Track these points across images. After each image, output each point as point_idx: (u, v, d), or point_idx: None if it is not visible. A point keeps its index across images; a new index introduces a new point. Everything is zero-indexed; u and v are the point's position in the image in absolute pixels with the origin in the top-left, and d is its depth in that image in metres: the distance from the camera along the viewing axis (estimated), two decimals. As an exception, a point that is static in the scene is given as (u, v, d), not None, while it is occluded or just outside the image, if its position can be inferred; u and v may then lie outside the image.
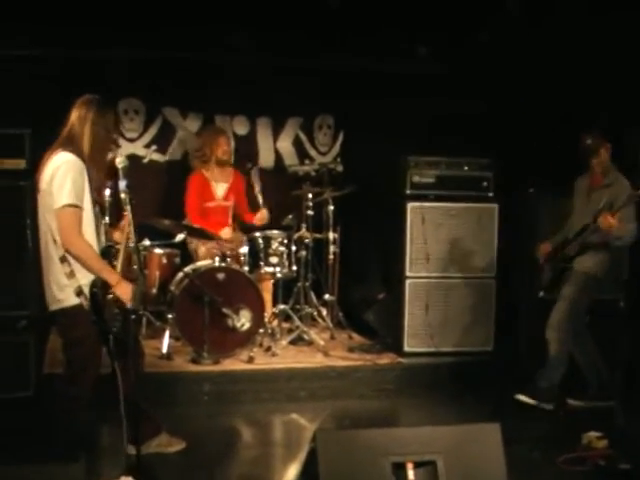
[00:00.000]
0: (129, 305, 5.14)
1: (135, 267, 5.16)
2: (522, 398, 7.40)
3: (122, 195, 5.14)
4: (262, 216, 8.78)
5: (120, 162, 5.19)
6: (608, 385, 7.38)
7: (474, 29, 8.84)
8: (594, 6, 7.48)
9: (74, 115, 5.33)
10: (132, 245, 5.16)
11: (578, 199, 7.51)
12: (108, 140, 5.40)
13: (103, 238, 5.40)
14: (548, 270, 7.57)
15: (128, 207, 5.08)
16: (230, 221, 9.04)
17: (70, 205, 5.10)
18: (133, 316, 5.11)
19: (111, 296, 5.15)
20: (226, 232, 8.50)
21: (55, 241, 5.18)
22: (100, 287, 5.16)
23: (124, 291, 5.16)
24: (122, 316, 5.19)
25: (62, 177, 5.12)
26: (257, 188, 8.68)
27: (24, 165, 6.86)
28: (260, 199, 8.67)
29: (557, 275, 7.45)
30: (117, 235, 5.58)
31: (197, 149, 9.21)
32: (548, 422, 7.11)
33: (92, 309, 5.14)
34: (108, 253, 5.36)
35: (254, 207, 8.90)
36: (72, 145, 5.25)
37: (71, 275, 5.16)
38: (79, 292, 5.15)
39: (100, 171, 5.28)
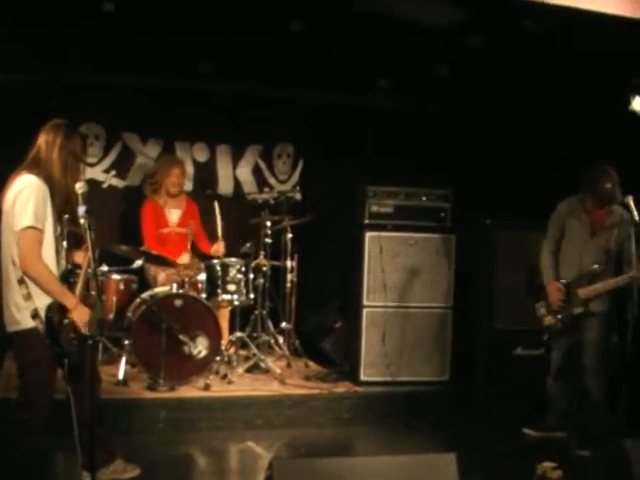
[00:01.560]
0: (85, 330, 5.13)
1: (93, 293, 5.14)
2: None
3: (81, 220, 5.11)
4: (218, 248, 8.76)
5: (80, 187, 5.15)
6: (568, 415, 7.39)
7: (434, 63, 8.93)
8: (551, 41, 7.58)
9: (42, 139, 5.34)
10: (90, 270, 5.14)
11: (573, 231, 7.30)
12: (76, 165, 5.40)
13: (64, 262, 5.38)
14: (548, 310, 7.35)
15: (87, 232, 5.07)
16: (188, 247, 9.02)
17: (30, 227, 5.10)
18: (90, 341, 5.08)
19: (67, 320, 5.14)
20: (184, 258, 8.47)
21: (14, 263, 5.16)
22: (57, 311, 5.14)
23: (81, 316, 5.15)
24: (78, 341, 5.17)
25: (25, 199, 5.12)
26: (218, 220, 8.67)
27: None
28: (219, 231, 8.67)
29: (571, 320, 7.25)
30: (78, 257, 5.56)
31: (150, 176, 9.23)
32: (504, 453, 7.12)
33: (47, 333, 5.12)
34: (68, 277, 5.34)
35: (213, 236, 8.90)
36: (38, 168, 5.25)
37: (28, 297, 5.14)
38: (35, 315, 5.13)
39: (68, 195, 5.26)
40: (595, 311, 7.16)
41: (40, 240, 5.16)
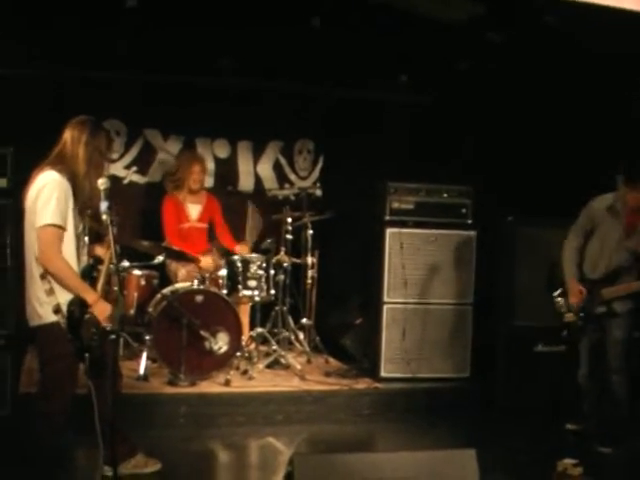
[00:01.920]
0: (106, 324, 5.16)
1: (115, 288, 5.16)
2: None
3: (103, 216, 5.14)
4: (242, 249, 8.80)
5: (102, 183, 5.18)
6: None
7: (455, 59, 8.92)
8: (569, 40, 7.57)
9: (67, 135, 5.36)
10: (113, 266, 5.17)
11: (607, 230, 7.16)
12: (101, 161, 5.43)
13: (85, 258, 5.40)
14: (568, 307, 7.27)
15: (109, 228, 5.09)
16: (207, 244, 9.07)
17: (52, 225, 5.12)
18: (112, 336, 5.12)
19: (89, 315, 5.17)
20: (206, 260, 8.48)
21: (37, 258, 5.19)
22: (78, 305, 5.17)
23: (102, 310, 5.18)
24: (99, 336, 5.20)
25: (47, 196, 5.15)
26: (250, 223, 8.71)
27: (6, 184, 6.84)
28: (248, 234, 8.70)
29: (594, 318, 7.19)
30: (99, 250, 5.59)
31: (171, 173, 9.25)
32: (524, 449, 7.11)
33: (68, 327, 5.14)
34: (89, 272, 5.36)
35: (238, 234, 8.94)
36: (62, 164, 5.28)
37: (50, 292, 5.17)
38: (57, 310, 5.16)
39: (91, 191, 5.28)
40: (618, 311, 7.11)
41: (60, 237, 5.18)
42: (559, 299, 7.33)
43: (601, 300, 7.10)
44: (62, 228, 5.17)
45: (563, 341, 7.55)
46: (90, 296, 5.19)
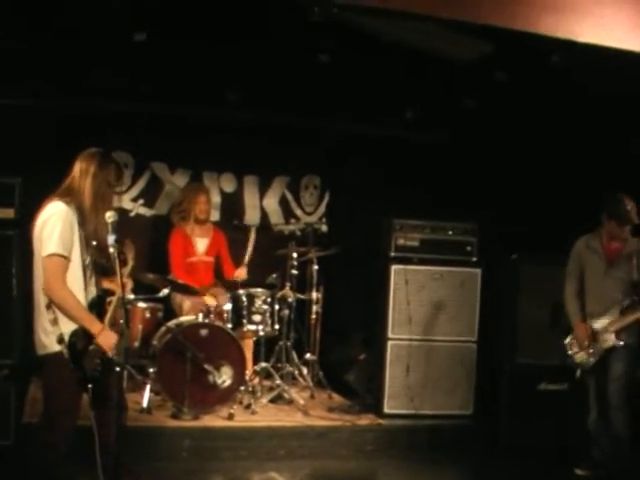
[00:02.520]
0: (111, 354, 5.20)
1: (121, 321, 5.18)
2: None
3: (111, 249, 5.17)
4: (239, 273, 8.87)
5: (110, 217, 5.21)
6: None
7: (462, 97, 8.98)
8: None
9: (76, 168, 5.41)
10: (119, 299, 5.20)
11: (591, 265, 7.34)
12: (109, 194, 5.46)
13: (93, 289, 5.42)
14: (581, 347, 7.28)
15: (116, 261, 5.12)
16: (213, 277, 9.10)
17: (56, 254, 5.16)
18: (117, 368, 5.13)
19: (93, 346, 5.19)
20: (209, 299, 8.48)
21: (43, 288, 5.22)
22: (81, 336, 5.19)
23: (107, 341, 5.21)
24: (103, 367, 5.23)
25: (52, 226, 5.19)
26: (250, 247, 8.77)
27: (13, 214, 6.87)
28: (246, 258, 8.76)
29: (602, 353, 7.19)
30: (106, 283, 5.62)
31: (177, 205, 9.31)
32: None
33: (71, 357, 5.17)
34: (97, 303, 5.39)
35: (238, 262, 8.98)
36: (70, 196, 5.32)
37: (54, 322, 5.19)
38: (60, 340, 5.18)
39: (99, 223, 5.32)
40: (625, 343, 7.11)
41: (65, 267, 5.21)
42: (571, 341, 7.34)
43: (608, 334, 7.10)
44: (66, 258, 5.20)
45: (576, 382, 7.51)
46: (94, 327, 5.21)
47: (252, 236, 8.81)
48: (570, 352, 7.35)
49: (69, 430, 5.34)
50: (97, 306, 5.37)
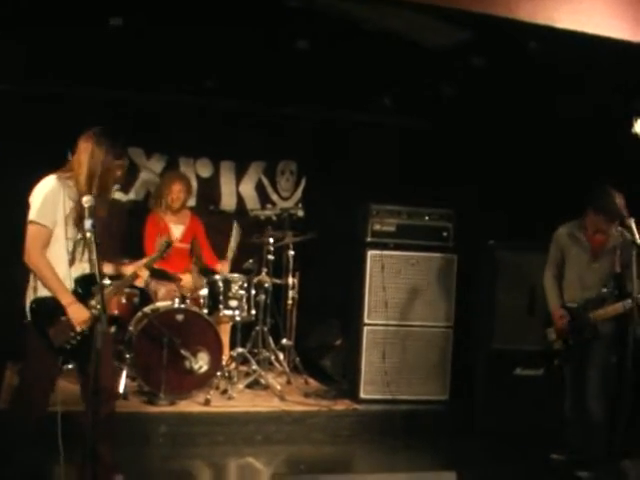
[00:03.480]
0: (79, 328, 5.27)
1: (98, 306, 5.16)
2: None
3: (87, 234, 5.15)
4: (223, 268, 8.84)
5: (86, 201, 5.20)
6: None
7: (438, 82, 8.99)
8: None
9: (79, 144, 5.49)
10: (96, 284, 5.19)
11: (574, 255, 7.31)
12: (106, 172, 5.46)
13: (86, 265, 5.40)
14: (558, 335, 7.26)
15: (93, 246, 5.10)
16: (189, 264, 9.07)
17: (35, 222, 5.27)
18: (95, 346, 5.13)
19: (64, 318, 5.25)
20: (186, 279, 8.49)
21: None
22: (49, 305, 5.28)
23: (76, 314, 5.28)
24: (81, 343, 5.28)
25: (37, 196, 5.32)
26: (232, 243, 8.75)
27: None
28: (230, 253, 8.76)
29: (582, 343, 7.18)
30: (127, 268, 5.70)
31: (154, 191, 9.32)
32: (502, 473, 7.12)
33: (33, 322, 5.28)
34: (84, 281, 5.39)
35: (220, 254, 8.97)
36: (69, 172, 5.43)
37: (35, 290, 5.32)
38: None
39: (101, 201, 5.35)
40: (603, 333, 7.12)
41: (44, 236, 5.30)
42: (549, 328, 7.35)
43: (588, 324, 7.12)
44: (46, 228, 5.28)
45: (555, 368, 7.52)
46: (65, 298, 5.29)
47: (235, 232, 8.77)
48: (549, 339, 7.36)
49: (39, 405, 5.36)
50: (83, 283, 5.38)
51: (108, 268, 5.66)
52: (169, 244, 6.05)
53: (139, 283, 6.49)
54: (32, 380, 5.39)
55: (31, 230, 5.29)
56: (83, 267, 5.42)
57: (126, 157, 5.94)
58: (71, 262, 5.37)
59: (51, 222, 5.29)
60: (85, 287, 5.39)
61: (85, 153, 5.41)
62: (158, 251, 5.94)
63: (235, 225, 8.89)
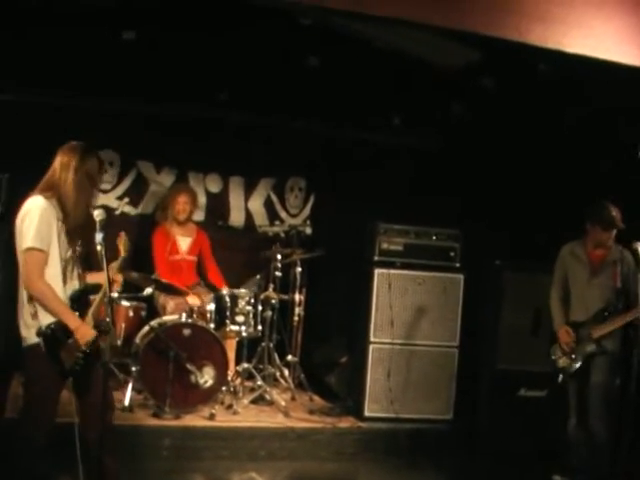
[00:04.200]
0: (85, 348, 5.20)
1: (107, 319, 5.19)
2: None
3: (98, 247, 5.18)
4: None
5: (98, 215, 5.23)
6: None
7: (448, 102, 9.03)
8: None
9: (57, 161, 5.37)
10: (106, 297, 5.20)
11: (575, 272, 7.41)
12: (91, 187, 5.44)
13: (75, 283, 5.42)
14: (564, 352, 7.31)
15: (104, 259, 5.13)
16: (196, 276, 9.11)
17: (33, 248, 5.15)
18: (102, 364, 5.16)
19: (72, 340, 5.21)
20: (193, 299, 8.47)
21: (23, 282, 5.25)
22: (59, 329, 5.19)
23: (83, 336, 5.21)
24: (87, 362, 5.24)
25: (29, 220, 5.17)
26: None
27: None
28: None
29: (585, 359, 7.22)
30: (91, 277, 5.61)
31: (160, 203, 9.37)
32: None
33: (46, 349, 5.18)
34: (78, 297, 5.38)
35: (225, 270, 9.07)
36: (51, 190, 5.30)
37: (35, 316, 5.20)
38: (39, 333, 5.19)
39: (81, 217, 5.32)
40: (607, 349, 7.16)
41: (43, 261, 5.20)
42: (554, 346, 7.38)
43: (591, 340, 7.14)
44: (44, 252, 5.20)
45: (558, 387, 7.53)
46: (71, 321, 5.21)
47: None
48: (553, 357, 7.38)
49: (47, 423, 5.34)
50: (78, 300, 5.36)
51: (92, 278, 5.64)
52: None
53: (117, 288, 6.41)
54: (39, 404, 5.31)
55: (30, 257, 5.16)
56: (74, 284, 5.39)
57: (104, 168, 5.88)
58: (64, 281, 5.34)
59: (47, 245, 5.20)
60: (79, 303, 5.37)
61: (68, 168, 5.31)
62: (125, 251, 5.77)
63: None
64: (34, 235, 5.15)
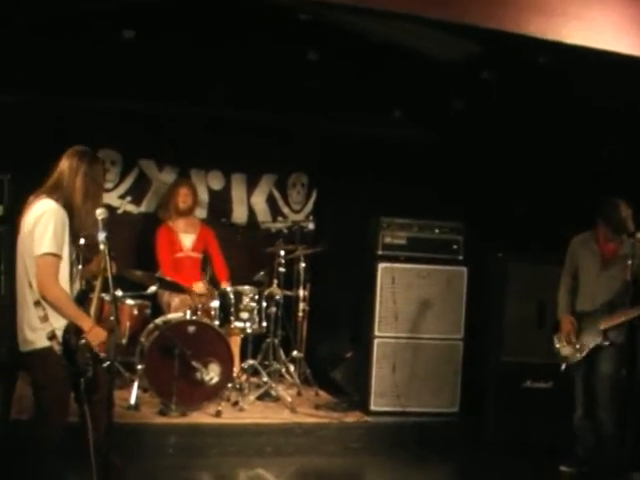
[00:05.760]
0: (98, 350, 5.23)
1: (112, 318, 5.20)
2: None
3: (101, 246, 5.18)
4: (225, 285, 8.88)
5: (100, 214, 5.23)
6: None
7: (449, 95, 9.03)
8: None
9: (65, 164, 5.37)
10: (109, 296, 5.22)
11: (586, 264, 7.39)
12: (98, 191, 5.47)
13: (78, 284, 5.44)
14: (568, 341, 7.32)
15: (107, 258, 5.13)
16: (202, 275, 9.12)
17: (50, 254, 5.15)
18: (106, 364, 5.16)
19: (83, 341, 5.21)
20: (199, 286, 8.54)
21: (31, 285, 5.22)
22: (73, 332, 5.21)
23: (96, 337, 5.22)
24: (93, 361, 5.25)
25: (45, 225, 5.17)
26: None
27: (2, 211, 6.85)
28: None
29: (589, 351, 7.22)
30: (92, 267, 5.62)
31: (162, 199, 9.40)
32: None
33: (64, 353, 5.18)
34: (82, 298, 5.40)
35: (229, 266, 9.12)
36: (58, 193, 5.30)
37: (45, 319, 5.19)
38: (51, 336, 5.18)
39: (86, 220, 5.33)
40: (612, 341, 7.14)
41: (58, 265, 5.21)
42: (557, 335, 7.38)
43: (597, 332, 7.14)
44: (59, 257, 5.20)
45: (562, 378, 7.54)
46: (86, 323, 5.21)
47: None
48: (556, 345, 7.39)
49: (60, 424, 5.36)
50: (82, 301, 5.39)
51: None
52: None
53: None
54: (55, 407, 5.31)
55: (46, 262, 5.15)
56: (76, 286, 5.43)
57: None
58: (71, 282, 5.36)
59: (61, 250, 5.21)
60: (82, 304, 5.38)
61: (77, 172, 5.32)
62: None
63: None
64: (51, 240, 5.15)
